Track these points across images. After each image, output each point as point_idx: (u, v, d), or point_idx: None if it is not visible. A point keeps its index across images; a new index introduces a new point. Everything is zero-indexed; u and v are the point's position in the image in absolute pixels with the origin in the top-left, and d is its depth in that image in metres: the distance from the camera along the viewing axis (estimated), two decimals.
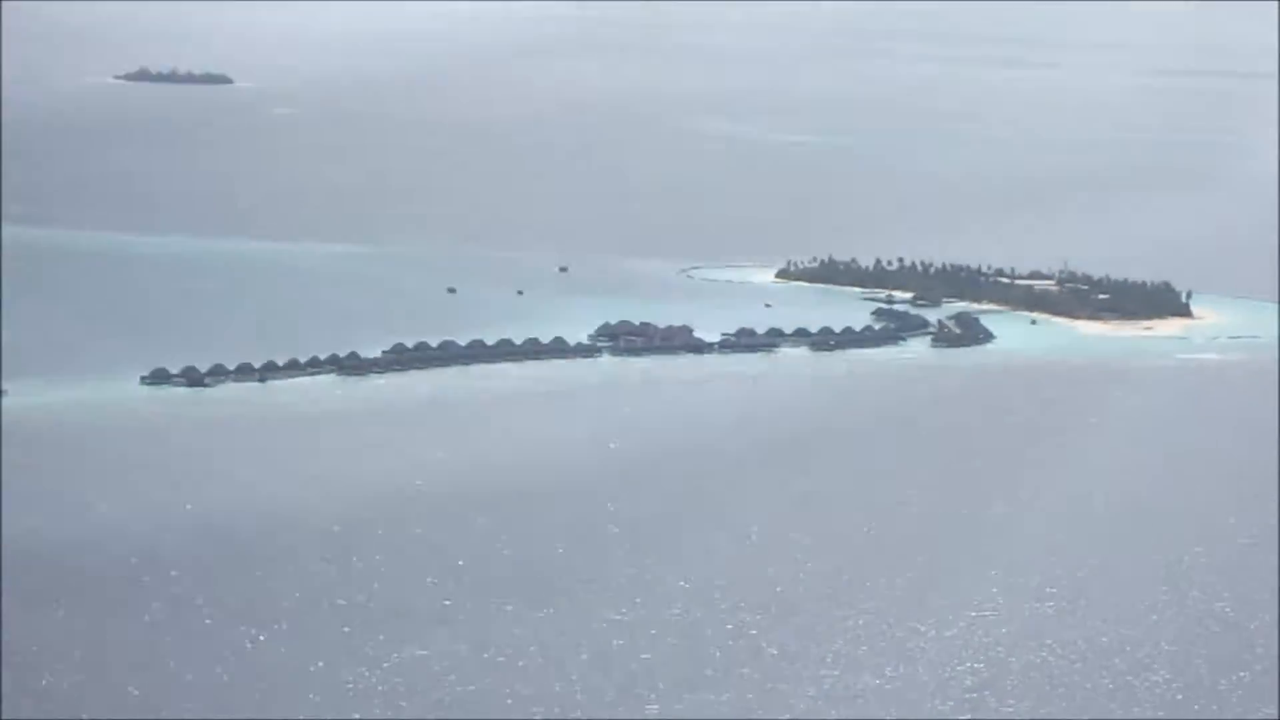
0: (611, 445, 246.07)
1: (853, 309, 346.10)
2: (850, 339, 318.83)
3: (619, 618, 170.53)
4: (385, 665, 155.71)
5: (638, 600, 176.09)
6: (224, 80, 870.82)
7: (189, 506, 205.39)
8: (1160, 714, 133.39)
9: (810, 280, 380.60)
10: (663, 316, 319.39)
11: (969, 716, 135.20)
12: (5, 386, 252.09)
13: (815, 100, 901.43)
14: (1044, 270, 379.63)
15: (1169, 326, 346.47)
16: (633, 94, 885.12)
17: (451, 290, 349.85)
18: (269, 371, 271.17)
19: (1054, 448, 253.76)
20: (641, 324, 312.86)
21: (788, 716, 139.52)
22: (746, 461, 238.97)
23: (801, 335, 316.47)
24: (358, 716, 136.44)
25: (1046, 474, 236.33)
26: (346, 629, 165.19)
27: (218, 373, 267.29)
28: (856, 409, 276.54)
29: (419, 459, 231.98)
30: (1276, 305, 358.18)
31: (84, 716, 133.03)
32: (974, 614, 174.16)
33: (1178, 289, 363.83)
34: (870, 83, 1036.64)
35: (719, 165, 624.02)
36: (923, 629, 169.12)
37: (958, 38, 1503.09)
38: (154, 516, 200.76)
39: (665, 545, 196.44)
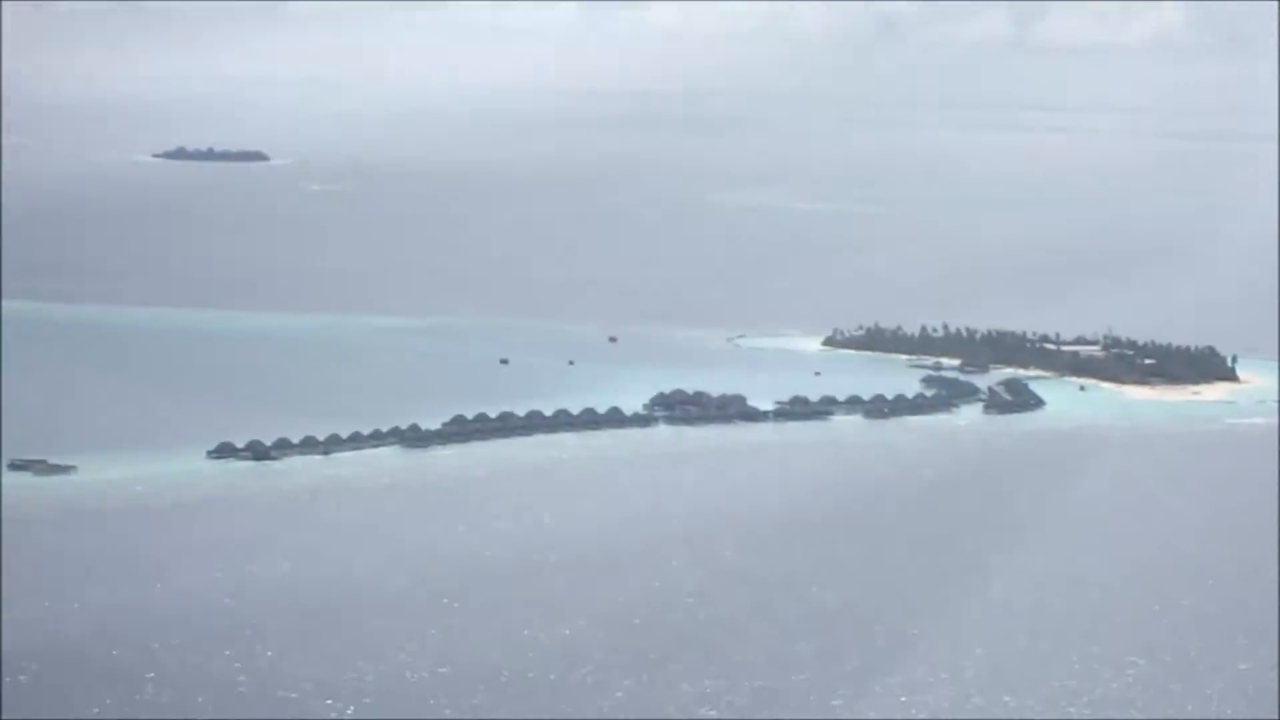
0: (676, 514, 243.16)
1: (902, 376, 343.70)
2: (903, 406, 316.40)
3: (707, 686, 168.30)
4: None
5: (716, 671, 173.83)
6: (260, 157, 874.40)
7: (263, 580, 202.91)
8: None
9: (857, 348, 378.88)
10: (714, 385, 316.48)
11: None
12: (75, 462, 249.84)
13: (842, 169, 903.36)
14: (1088, 336, 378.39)
15: (1216, 391, 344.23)
16: (662, 164, 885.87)
17: (504, 361, 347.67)
18: (333, 444, 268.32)
19: (1120, 514, 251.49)
20: (695, 393, 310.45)
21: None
22: (817, 530, 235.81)
23: (855, 403, 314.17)
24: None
25: (1113, 539, 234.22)
26: (432, 701, 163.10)
27: (282, 446, 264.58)
28: (918, 477, 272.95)
29: (486, 530, 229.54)
30: None
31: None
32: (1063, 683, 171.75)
33: (1222, 353, 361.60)
34: (893, 151, 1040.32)
35: (756, 234, 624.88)
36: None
37: (971, 104, 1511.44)
38: (230, 588, 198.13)
39: (744, 617, 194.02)
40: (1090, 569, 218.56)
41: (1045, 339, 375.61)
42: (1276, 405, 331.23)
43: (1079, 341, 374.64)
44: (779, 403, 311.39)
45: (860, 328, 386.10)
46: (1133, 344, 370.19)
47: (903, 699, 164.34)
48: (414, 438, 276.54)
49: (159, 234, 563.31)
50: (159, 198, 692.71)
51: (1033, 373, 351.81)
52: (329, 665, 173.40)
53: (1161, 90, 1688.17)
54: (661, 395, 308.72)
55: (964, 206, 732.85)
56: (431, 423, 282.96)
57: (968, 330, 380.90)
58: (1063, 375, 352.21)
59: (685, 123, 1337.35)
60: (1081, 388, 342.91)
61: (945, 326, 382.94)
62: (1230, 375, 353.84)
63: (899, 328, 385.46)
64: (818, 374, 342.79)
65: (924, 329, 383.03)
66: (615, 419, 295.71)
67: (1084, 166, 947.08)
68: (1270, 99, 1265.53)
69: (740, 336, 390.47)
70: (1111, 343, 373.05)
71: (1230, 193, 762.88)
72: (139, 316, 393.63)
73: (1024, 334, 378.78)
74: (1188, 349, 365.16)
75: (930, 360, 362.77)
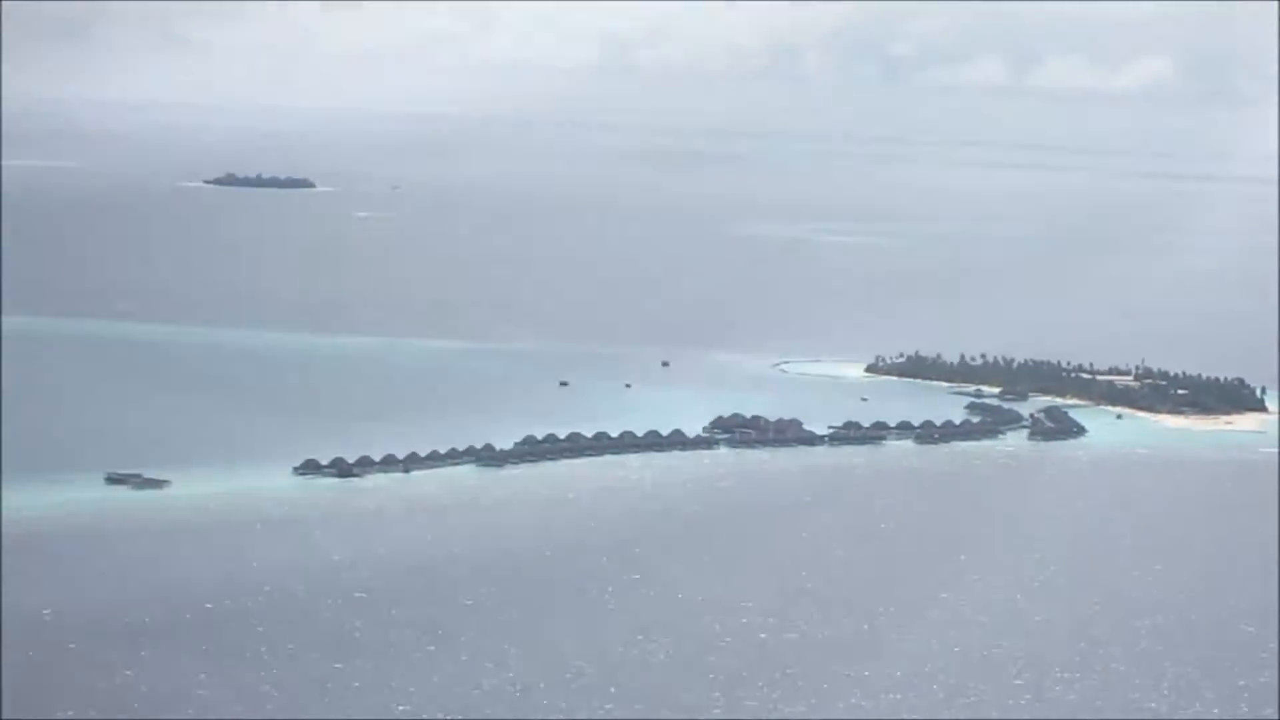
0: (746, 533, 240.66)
1: (945, 403, 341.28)
2: (951, 432, 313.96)
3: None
4: None
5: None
6: (306, 184, 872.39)
7: (352, 588, 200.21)
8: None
9: (899, 374, 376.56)
10: (768, 410, 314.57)
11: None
12: (169, 476, 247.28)
13: (857, 203, 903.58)
14: (1122, 366, 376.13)
15: (1247, 421, 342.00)
16: (691, 196, 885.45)
17: (564, 384, 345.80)
18: (412, 462, 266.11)
19: (1171, 536, 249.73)
20: (753, 417, 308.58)
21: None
22: (902, 547, 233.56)
23: (905, 429, 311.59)
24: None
25: (1169, 557, 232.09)
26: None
27: (364, 464, 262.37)
28: (983, 500, 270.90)
29: (564, 546, 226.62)
30: None
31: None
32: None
33: (1251, 385, 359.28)
34: (901, 187, 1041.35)
35: (788, 265, 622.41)
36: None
37: (968, 143, 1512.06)
38: (324, 592, 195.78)
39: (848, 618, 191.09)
40: (1152, 584, 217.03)
41: (1080, 369, 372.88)
42: None
43: (1113, 372, 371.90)
44: (832, 427, 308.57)
45: (901, 355, 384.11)
46: (1165, 374, 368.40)
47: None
48: (488, 457, 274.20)
49: (222, 257, 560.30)
50: (215, 222, 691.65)
51: (1070, 401, 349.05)
52: (430, 664, 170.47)
53: (1146, 134, 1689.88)
54: (720, 419, 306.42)
55: (970, 242, 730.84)
56: (504, 442, 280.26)
57: (1005, 359, 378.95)
58: (1099, 404, 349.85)
59: (705, 159, 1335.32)
60: (1119, 416, 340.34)
61: (983, 355, 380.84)
62: (1260, 406, 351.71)
63: (938, 356, 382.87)
64: (865, 400, 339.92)
65: (963, 357, 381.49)
66: (678, 441, 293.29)
67: (1089, 203, 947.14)
68: (1247, 143, 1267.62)
69: (785, 362, 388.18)
70: (1144, 373, 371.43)
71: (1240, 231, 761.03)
72: (216, 337, 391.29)
73: (1059, 363, 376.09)
74: (1218, 380, 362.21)
75: (971, 388, 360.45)
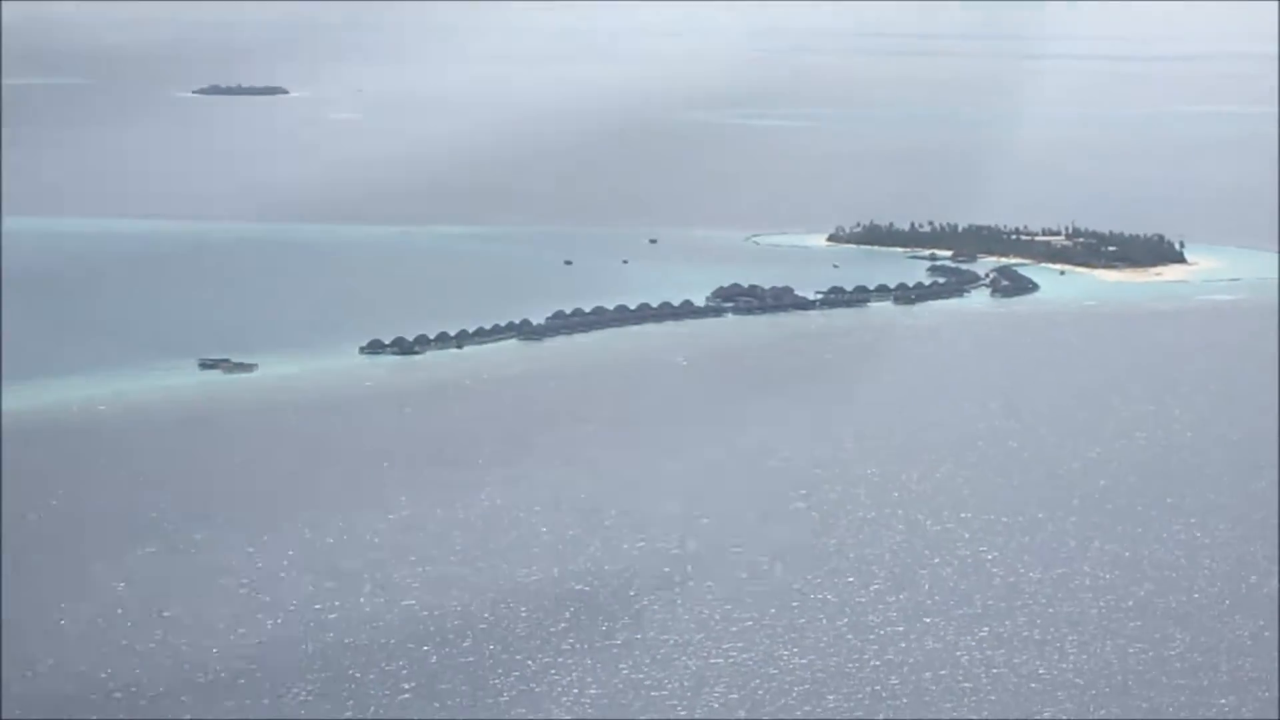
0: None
1: (907, 267, 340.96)
2: (924, 293, 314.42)
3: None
4: None
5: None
6: (281, 91, 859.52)
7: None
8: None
9: (858, 243, 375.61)
10: (757, 279, 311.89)
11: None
12: (255, 360, 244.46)
13: (769, 92, 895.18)
14: (1053, 227, 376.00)
15: (1173, 273, 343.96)
16: (619, 92, 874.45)
17: (568, 262, 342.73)
18: (463, 339, 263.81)
19: (1150, 369, 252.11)
20: (750, 286, 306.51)
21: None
22: (944, 392, 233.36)
23: (884, 291, 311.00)
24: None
25: (1159, 381, 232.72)
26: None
27: (422, 342, 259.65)
28: (981, 348, 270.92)
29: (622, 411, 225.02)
30: (1255, 251, 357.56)
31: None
32: None
33: (1170, 240, 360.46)
34: (807, 75, 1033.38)
35: (731, 147, 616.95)
36: None
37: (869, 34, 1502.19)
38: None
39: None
40: (1161, 408, 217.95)
41: (1018, 231, 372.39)
42: (1227, 283, 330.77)
43: (1047, 233, 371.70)
44: (819, 292, 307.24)
45: (858, 225, 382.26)
46: (1094, 234, 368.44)
47: None
48: (528, 331, 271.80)
49: (225, 158, 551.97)
50: (211, 126, 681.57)
51: (1015, 261, 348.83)
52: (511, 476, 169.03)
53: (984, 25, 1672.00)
54: (721, 289, 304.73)
55: (874, 123, 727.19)
56: (537, 317, 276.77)
57: (949, 225, 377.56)
58: (1040, 262, 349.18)
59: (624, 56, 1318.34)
60: (1061, 273, 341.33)
61: (930, 223, 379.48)
62: (1181, 259, 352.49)
63: (891, 224, 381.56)
64: (836, 266, 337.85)
65: (913, 225, 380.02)
66: (688, 311, 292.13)
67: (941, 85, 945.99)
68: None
69: (756, 235, 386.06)
70: (1075, 233, 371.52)
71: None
72: (245, 231, 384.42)
73: (998, 227, 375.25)
74: (1139, 237, 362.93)
75: (925, 252, 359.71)
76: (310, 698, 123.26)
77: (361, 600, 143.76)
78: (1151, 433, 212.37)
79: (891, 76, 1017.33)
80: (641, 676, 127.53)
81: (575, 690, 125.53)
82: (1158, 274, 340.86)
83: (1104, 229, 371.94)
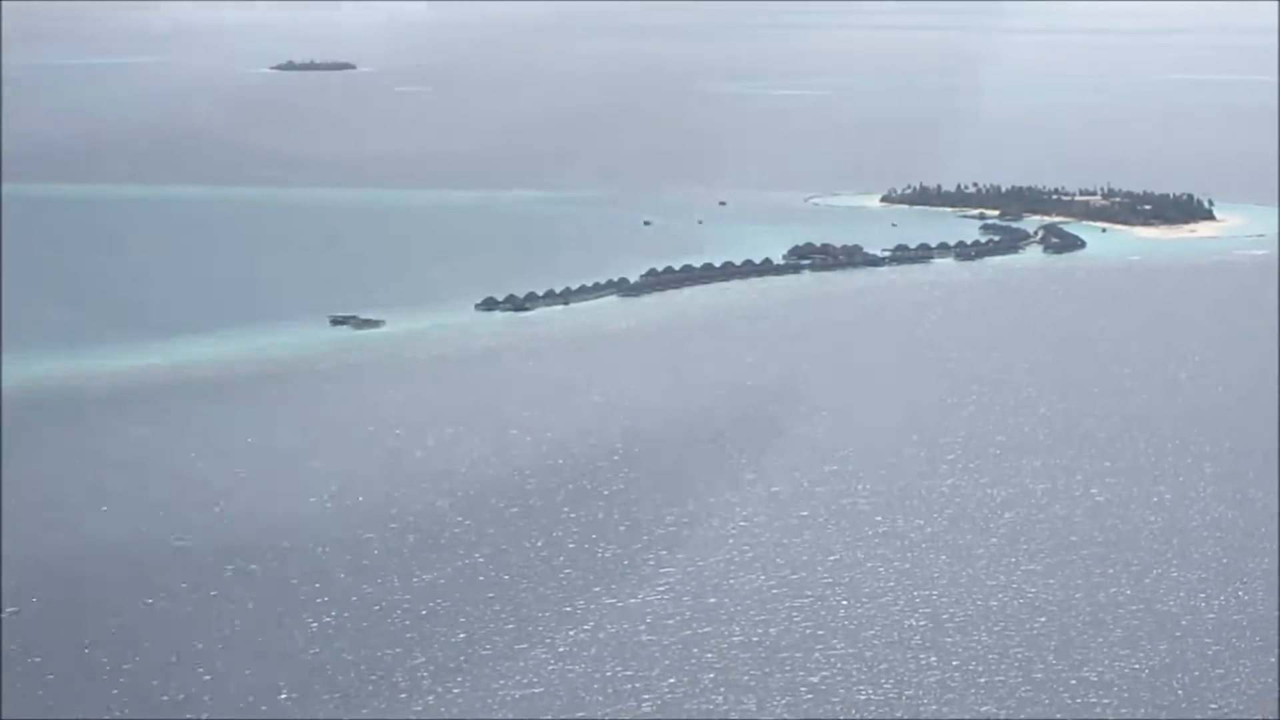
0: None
1: (959, 225, 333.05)
2: (982, 250, 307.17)
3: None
4: None
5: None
6: (349, 66, 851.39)
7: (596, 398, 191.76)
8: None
9: (909, 203, 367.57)
10: (826, 237, 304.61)
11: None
12: (382, 316, 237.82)
13: (781, 66, 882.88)
14: (1089, 188, 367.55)
15: (1205, 229, 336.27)
16: (653, 66, 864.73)
17: (648, 223, 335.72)
18: (569, 296, 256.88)
19: (1202, 316, 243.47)
20: (822, 245, 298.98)
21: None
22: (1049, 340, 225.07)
23: (944, 249, 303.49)
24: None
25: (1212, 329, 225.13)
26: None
27: (532, 299, 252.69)
28: (1054, 301, 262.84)
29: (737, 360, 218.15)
30: (1274, 208, 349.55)
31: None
32: None
33: (1199, 198, 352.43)
34: (799, 52, 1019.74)
35: (766, 115, 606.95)
36: None
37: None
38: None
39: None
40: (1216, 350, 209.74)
41: (1057, 191, 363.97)
42: (1254, 238, 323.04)
43: (1083, 193, 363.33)
44: (886, 250, 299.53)
45: (909, 187, 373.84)
46: (1129, 193, 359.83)
47: None
48: (626, 288, 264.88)
49: (311, 129, 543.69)
50: (292, 102, 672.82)
51: (1058, 219, 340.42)
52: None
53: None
54: (796, 247, 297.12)
55: (888, 92, 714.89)
56: (632, 275, 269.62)
57: (992, 186, 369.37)
58: (1081, 220, 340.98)
59: (650, 30, 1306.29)
60: (1103, 230, 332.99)
61: (975, 184, 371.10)
62: (1210, 215, 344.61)
63: (938, 186, 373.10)
64: (895, 225, 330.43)
65: (958, 186, 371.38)
66: (770, 268, 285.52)
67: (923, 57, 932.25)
68: None
69: (814, 197, 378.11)
70: (1110, 193, 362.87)
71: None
72: (338, 197, 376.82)
73: (1039, 187, 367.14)
74: (1168, 196, 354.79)
75: (974, 211, 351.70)
76: None
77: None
78: (1237, 376, 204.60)
79: (888, 49, 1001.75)
80: None
81: None
82: (1191, 230, 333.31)
83: (1137, 188, 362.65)
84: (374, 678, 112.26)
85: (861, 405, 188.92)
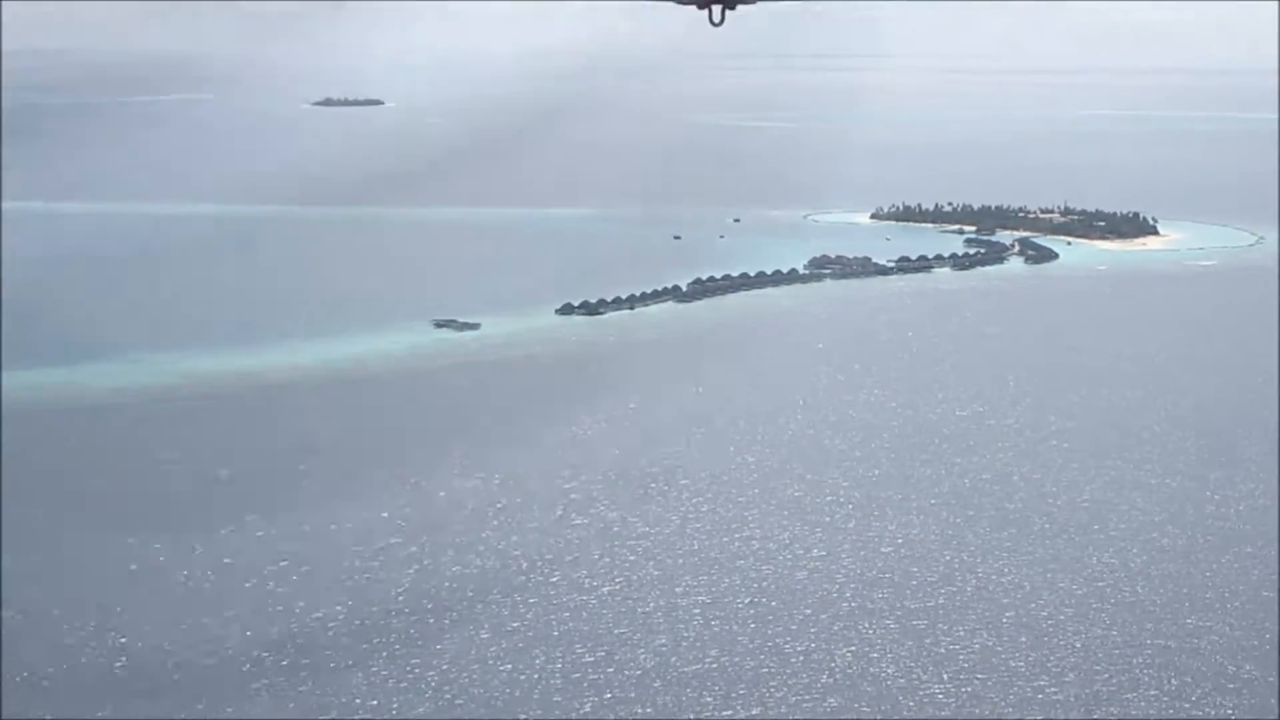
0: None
1: (944, 239, 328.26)
2: (973, 261, 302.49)
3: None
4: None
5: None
6: (378, 102, 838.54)
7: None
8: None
9: (895, 220, 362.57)
10: (837, 250, 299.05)
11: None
12: (479, 320, 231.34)
13: (746, 100, 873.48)
14: (1048, 206, 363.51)
15: (1154, 243, 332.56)
16: (638, 101, 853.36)
17: (677, 237, 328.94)
18: (635, 301, 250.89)
19: (1174, 314, 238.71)
20: (837, 256, 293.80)
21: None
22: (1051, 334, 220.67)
23: (941, 260, 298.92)
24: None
25: (1179, 323, 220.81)
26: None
27: (603, 304, 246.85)
28: (1050, 303, 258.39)
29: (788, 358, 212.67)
30: (1209, 225, 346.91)
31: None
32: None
33: (1144, 216, 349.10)
34: (766, 88, 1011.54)
35: (756, 143, 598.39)
36: None
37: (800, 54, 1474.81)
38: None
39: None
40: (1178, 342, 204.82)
41: (1022, 209, 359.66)
42: (1199, 250, 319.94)
43: (1044, 211, 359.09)
44: (891, 261, 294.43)
45: (895, 206, 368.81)
46: (1084, 211, 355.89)
47: None
48: (680, 295, 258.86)
49: (361, 157, 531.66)
50: (337, 135, 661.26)
51: (1026, 234, 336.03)
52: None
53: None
54: (815, 258, 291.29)
55: (850, 124, 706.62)
56: (681, 283, 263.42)
57: (965, 205, 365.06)
58: (1046, 235, 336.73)
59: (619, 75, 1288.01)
60: (1069, 243, 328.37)
61: (950, 203, 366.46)
62: (1155, 231, 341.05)
63: (918, 205, 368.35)
64: (888, 239, 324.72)
65: (937, 205, 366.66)
66: (797, 277, 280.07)
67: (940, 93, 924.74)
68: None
69: (811, 215, 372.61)
70: (1067, 211, 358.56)
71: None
72: (423, 213, 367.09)
73: (1006, 206, 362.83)
74: (1116, 214, 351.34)
75: (954, 227, 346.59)
76: None
77: None
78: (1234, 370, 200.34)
79: (813, 87, 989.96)
80: None
81: None
82: (1143, 244, 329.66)
83: (1089, 207, 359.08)
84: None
85: (943, 380, 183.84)
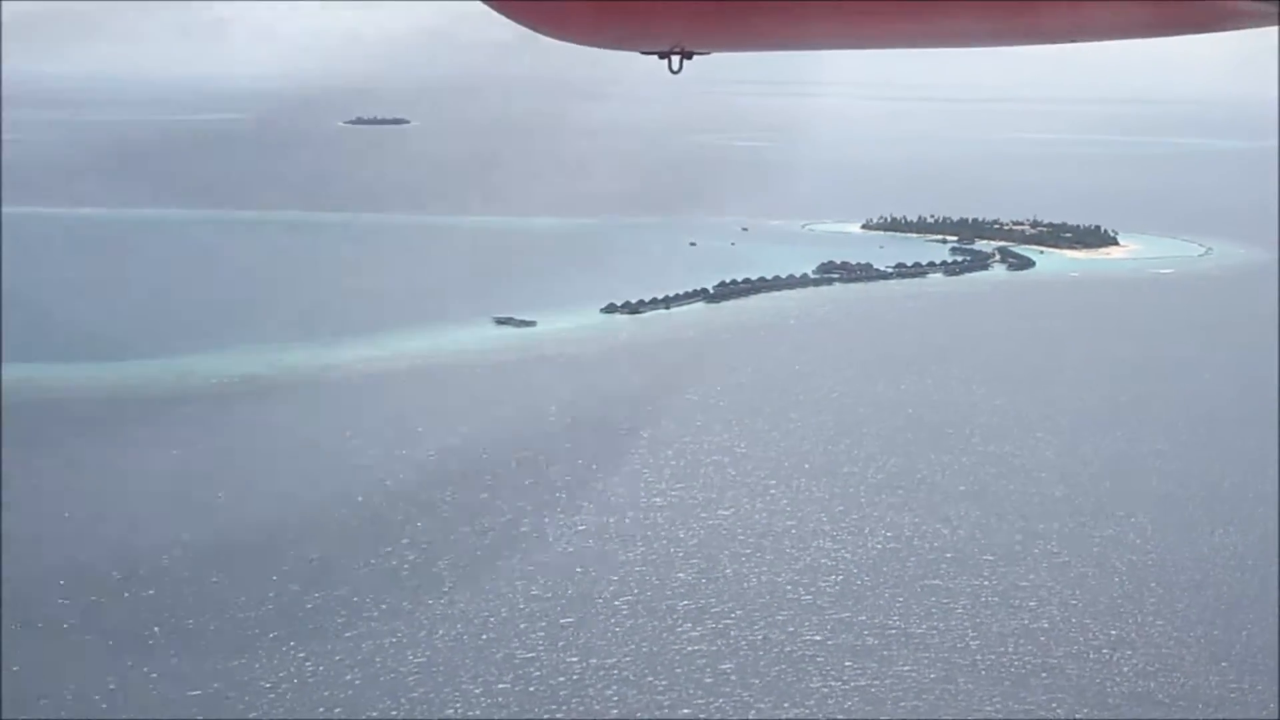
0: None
1: (931, 248, 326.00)
2: (963, 267, 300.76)
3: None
4: None
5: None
6: (404, 121, 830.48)
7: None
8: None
9: (885, 230, 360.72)
10: (836, 256, 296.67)
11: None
12: (534, 318, 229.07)
13: (730, 121, 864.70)
14: (1019, 219, 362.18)
15: (1118, 252, 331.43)
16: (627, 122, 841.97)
17: (693, 244, 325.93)
18: (670, 302, 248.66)
19: (1152, 317, 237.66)
20: (841, 262, 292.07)
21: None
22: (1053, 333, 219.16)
23: (933, 266, 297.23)
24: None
25: (1159, 324, 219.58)
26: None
27: (642, 305, 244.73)
28: (1041, 303, 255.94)
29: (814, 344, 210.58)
30: (1159, 237, 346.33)
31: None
32: None
33: (1105, 228, 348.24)
34: (743, 110, 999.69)
35: (742, 161, 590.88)
36: None
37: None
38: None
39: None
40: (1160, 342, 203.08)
41: (995, 222, 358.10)
42: (1158, 259, 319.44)
43: (1015, 223, 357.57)
44: (890, 267, 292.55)
45: (883, 217, 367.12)
46: (1051, 223, 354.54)
47: None
48: (708, 296, 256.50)
49: (400, 168, 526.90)
50: (373, 150, 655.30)
51: (1003, 244, 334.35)
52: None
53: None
54: (822, 264, 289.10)
55: (818, 144, 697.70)
56: (707, 286, 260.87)
57: (944, 217, 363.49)
58: (1019, 245, 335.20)
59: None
60: (1041, 252, 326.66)
61: (934, 215, 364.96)
62: (1115, 242, 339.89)
63: (904, 216, 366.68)
64: (881, 247, 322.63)
65: (920, 217, 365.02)
66: (808, 280, 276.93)
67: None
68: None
69: (808, 224, 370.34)
70: (1035, 223, 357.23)
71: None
72: (469, 221, 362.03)
73: (982, 218, 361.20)
74: (1079, 226, 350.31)
75: (938, 237, 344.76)
76: None
77: None
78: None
79: (766, 110, 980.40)
80: None
81: None
82: (1106, 253, 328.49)
83: (1055, 219, 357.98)
84: None
85: (958, 369, 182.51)
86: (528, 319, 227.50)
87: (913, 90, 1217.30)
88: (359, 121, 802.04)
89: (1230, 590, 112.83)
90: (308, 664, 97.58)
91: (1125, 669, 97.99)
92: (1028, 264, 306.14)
